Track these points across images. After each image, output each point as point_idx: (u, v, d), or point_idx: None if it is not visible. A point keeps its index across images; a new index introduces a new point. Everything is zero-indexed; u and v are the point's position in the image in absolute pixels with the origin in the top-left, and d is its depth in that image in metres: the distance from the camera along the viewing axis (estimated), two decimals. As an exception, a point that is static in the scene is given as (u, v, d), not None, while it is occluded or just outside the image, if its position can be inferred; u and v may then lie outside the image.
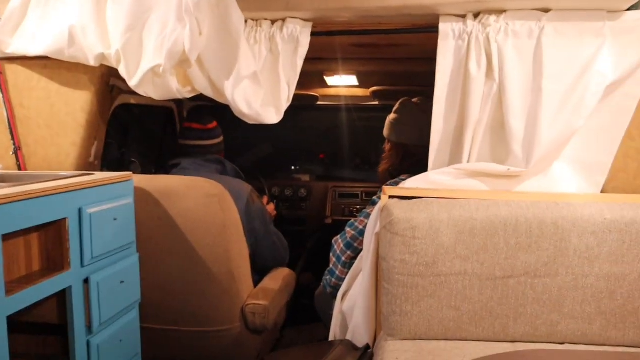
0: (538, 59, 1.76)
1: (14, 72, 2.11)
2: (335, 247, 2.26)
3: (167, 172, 2.38)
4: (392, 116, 2.46)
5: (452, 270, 1.65)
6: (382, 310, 1.73)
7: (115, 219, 1.74)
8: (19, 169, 2.13)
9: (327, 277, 2.28)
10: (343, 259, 2.21)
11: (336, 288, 2.18)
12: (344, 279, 2.11)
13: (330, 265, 2.27)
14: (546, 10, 1.74)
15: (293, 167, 3.96)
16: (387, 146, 2.49)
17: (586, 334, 1.65)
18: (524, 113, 1.79)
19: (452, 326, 1.67)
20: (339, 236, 2.27)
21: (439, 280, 1.65)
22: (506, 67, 1.77)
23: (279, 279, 2.39)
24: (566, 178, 1.85)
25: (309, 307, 2.73)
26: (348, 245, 2.20)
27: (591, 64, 1.71)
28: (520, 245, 1.64)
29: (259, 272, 2.43)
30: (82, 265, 1.61)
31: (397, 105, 2.46)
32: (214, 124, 2.54)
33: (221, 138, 2.56)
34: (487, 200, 1.72)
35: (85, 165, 2.18)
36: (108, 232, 1.71)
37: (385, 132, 2.48)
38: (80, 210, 1.59)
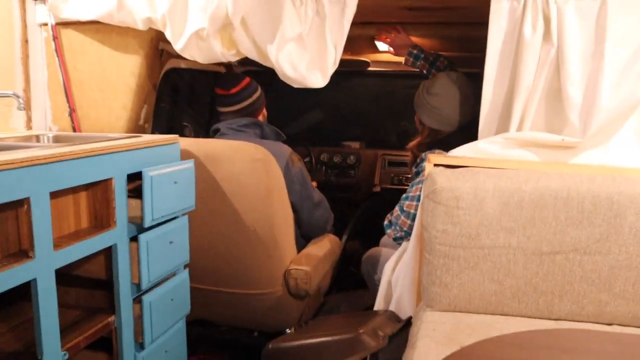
0: (601, 22, 1.64)
1: (68, 36, 2.17)
2: (400, 224, 2.14)
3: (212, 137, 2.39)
4: (429, 98, 2.31)
5: (495, 243, 1.59)
6: (422, 281, 1.70)
7: (175, 182, 1.78)
8: (74, 130, 2.21)
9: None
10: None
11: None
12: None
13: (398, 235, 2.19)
14: (612, -32, 1.62)
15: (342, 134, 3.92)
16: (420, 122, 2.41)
17: (637, 316, 1.57)
18: (583, 80, 1.69)
19: (494, 300, 1.62)
20: (398, 212, 2.15)
21: (481, 253, 1.60)
22: (566, 30, 1.67)
23: (323, 245, 2.39)
24: (627, 151, 1.74)
25: (355, 274, 2.73)
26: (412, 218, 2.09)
27: (660, 27, 1.58)
28: (571, 220, 1.56)
29: (305, 237, 2.44)
30: (144, 227, 1.66)
31: (434, 84, 2.32)
32: (241, 85, 2.40)
33: (253, 97, 2.41)
34: (538, 171, 1.64)
35: (136, 128, 2.23)
36: (168, 195, 1.75)
37: (421, 112, 2.36)
38: (142, 173, 1.63)
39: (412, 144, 2.44)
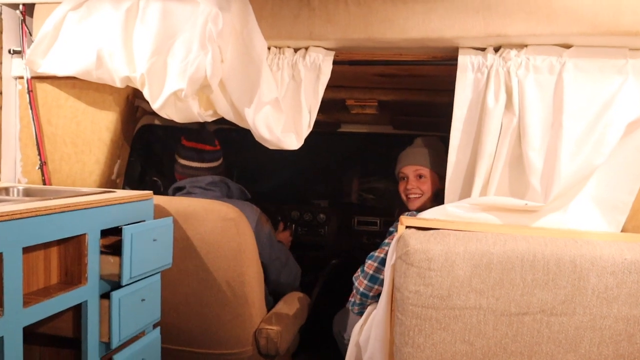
0: (558, 94, 1.76)
1: (43, 90, 2.18)
2: (357, 284, 2.12)
3: (172, 196, 2.34)
4: (421, 142, 2.38)
5: (466, 304, 1.63)
6: (395, 341, 1.71)
7: (154, 240, 1.77)
8: (44, 183, 2.18)
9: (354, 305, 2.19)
10: (371, 294, 2.09)
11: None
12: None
13: (357, 301, 2.16)
14: (568, 46, 1.75)
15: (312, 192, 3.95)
16: (425, 179, 2.33)
17: (603, 377, 1.61)
18: (543, 148, 1.79)
19: (465, 361, 1.64)
20: (359, 272, 2.15)
21: (452, 314, 1.63)
22: (526, 101, 1.78)
23: (293, 303, 2.38)
24: (586, 215, 1.83)
25: (323, 333, 2.71)
26: (374, 280, 2.08)
27: (613, 101, 1.71)
28: (537, 282, 1.61)
29: (273, 294, 2.43)
30: (122, 284, 1.63)
31: (413, 142, 2.42)
32: (217, 144, 2.43)
33: (221, 159, 2.45)
34: (505, 234, 1.70)
35: (108, 183, 2.22)
36: (147, 252, 1.73)
37: (427, 162, 2.32)
38: (123, 230, 1.62)
39: (418, 204, 2.33)
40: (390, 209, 3.36)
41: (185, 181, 2.35)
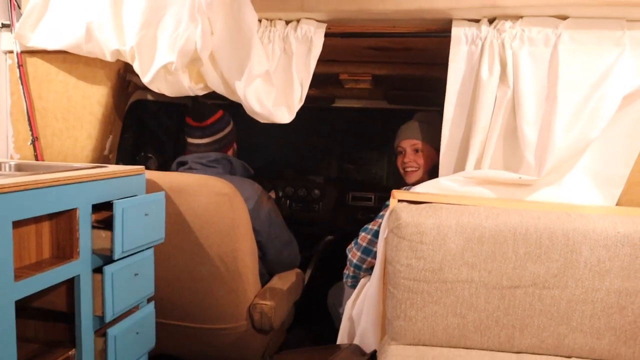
0: (553, 66, 1.74)
1: (34, 65, 2.15)
2: (350, 256, 2.16)
3: (175, 170, 2.33)
4: (423, 117, 2.43)
5: (458, 277, 1.63)
6: (387, 314, 1.72)
7: (146, 214, 1.75)
8: (36, 159, 2.17)
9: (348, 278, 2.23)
10: (364, 266, 2.13)
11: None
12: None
13: (350, 274, 2.20)
14: (564, 18, 1.72)
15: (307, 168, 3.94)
16: (422, 153, 2.35)
17: (594, 349, 1.62)
18: (537, 121, 1.77)
19: (457, 334, 1.65)
20: (352, 244, 2.18)
21: (444, 287, 1.64)
22: (521, 73, 1.76)
23: (287, 278, 2.38)
24: (580, 189, 1.82)
25: (318, 308, 2.73)
26: (367, 252, 2.11)
27: (608, 73, 1.69)
28: (529, 255, 1.61)
29: (271, 274, 2.43)
30: (114, 259, 1.63)
31: (413, 117, 2.46)
32: (214, 117, 2.34)
33: (226, 130, 2.37)
34: (497, 208, 1.70)
35: (100, 158, 2.21)
36: (139, 227, 1.72)
37: (423, 137, 2.35)
38: (114, 205, 1.61)
39: (415, 178, 2.34)
40: (384, 183, 3.37)
41: (190, 156, 2.32)
